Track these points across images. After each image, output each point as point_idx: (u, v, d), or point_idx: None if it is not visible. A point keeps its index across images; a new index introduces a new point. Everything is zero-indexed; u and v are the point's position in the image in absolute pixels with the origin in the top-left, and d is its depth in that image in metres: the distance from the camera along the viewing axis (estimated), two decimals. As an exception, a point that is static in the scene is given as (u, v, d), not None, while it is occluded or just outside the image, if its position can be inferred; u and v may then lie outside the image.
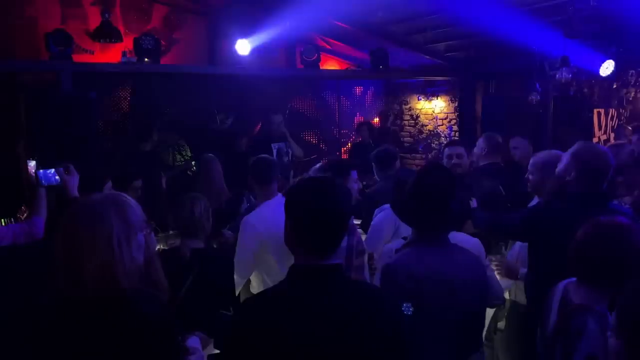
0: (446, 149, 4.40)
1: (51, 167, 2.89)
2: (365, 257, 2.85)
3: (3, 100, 5.09)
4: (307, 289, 1.56)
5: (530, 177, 3.19)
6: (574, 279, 1.89)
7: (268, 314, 1.52)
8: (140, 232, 1.60)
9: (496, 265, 3.46)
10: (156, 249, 3.91)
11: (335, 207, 1.61)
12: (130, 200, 1.62)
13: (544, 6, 5.13)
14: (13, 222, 4.58)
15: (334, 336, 1.50)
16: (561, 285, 1.97)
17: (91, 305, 1.50)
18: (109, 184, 3.69)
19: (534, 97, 5.63)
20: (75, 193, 2.82)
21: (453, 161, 4.23)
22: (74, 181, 2.78)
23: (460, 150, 4.32)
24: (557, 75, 4.94)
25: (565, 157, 2.64)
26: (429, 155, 8.74)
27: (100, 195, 1.61)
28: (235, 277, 3.21)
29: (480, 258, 2.12)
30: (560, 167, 2.65)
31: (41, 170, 2.85)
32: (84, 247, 1.49)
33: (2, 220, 4.75)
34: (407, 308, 1.84)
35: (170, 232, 3.89)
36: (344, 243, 2.69)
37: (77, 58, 6.62)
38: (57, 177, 2.83)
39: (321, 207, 1.59)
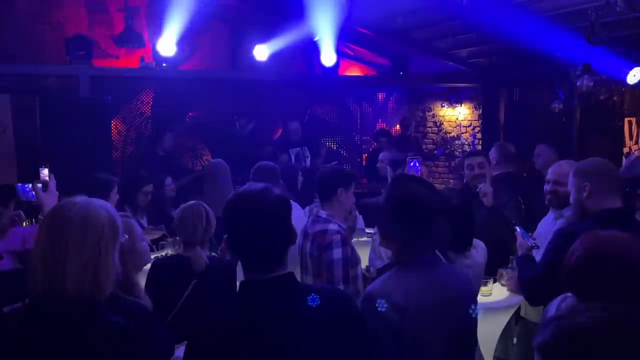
0: (466, 160, 4.14)
1: (71, 178, 2.76)
2: (360, 267, 2.79)
3: (23, 103, 5.20)
4: (254, 303, 1.49)
5: (560, 189, 2.98)
6: (570, 294, 1.79)
7: (218, 329, 1.50)
8: (120, 240, 1.59)
9: (507, 280, 3.35)
10: (162, 254, 3.94)
11: (266, 220, 1.52)
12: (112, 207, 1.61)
13: (568, 12, 4.97)
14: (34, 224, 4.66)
15: (279, 350, 1.45)
16: (557, 300, 1.88)
17: (62, 310, 1.46)
18: (115, 189, 3.70)
19: (557, 106, 5.46)
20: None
21: (475, 172, 3.94)
22: (50, 200, 2.51)
23: (481, 159, 4.01)
24: (579, 83, 4.77)
25: (571, 179, 2.51)
26: (452, 163, 8.59)
27: (88, 198, 1.58)
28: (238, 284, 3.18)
29: (468, 276, 2.00)
30: (571, 189, 2.51)
31: (19, 184, 2.73)
32: (70, 245, 1.46)
33: (25, 222, 4.85)
34: (381, 304, 1.77)
35: (177, 237, 3.89)
36: (338, 255, 2.63)
37: (102, 63, 6.75)
38: (33, 193, 2.61)
39: (250, 222, 1.52)
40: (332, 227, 2.73)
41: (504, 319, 3.27)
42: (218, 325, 1.52)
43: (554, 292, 2.09)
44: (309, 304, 1.49)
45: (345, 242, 2.69)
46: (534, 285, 2.51)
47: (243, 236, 1.52)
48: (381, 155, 5.57)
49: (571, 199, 2.55)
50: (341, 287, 2.60)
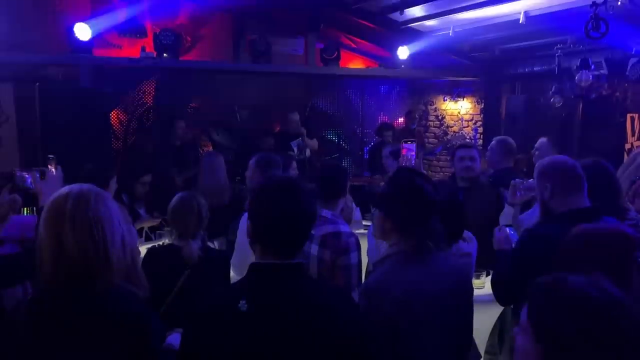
0: (457, 151, 4.01)
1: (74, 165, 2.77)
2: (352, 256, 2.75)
3: (23, 93, 5.23)
4: (263, 285, 1.55)
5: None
6: None
7: (221, 306, 1.55)
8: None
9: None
10: (160, 243, 3.96)
11: (296, 210, 1.59)
12: None
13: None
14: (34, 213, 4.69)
15: (281, 334, 1.48)
16: None
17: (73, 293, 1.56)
18: (114, 179, 3.73)
19: (557, 100, 5.42)
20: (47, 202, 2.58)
21: (465, 163, 3.86)
22: (47, 188, 2.47)
23: (473, 152, 3.92)
24: (577, 79, 4.72)
25: (535, 179, 2.47)
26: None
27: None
28: (232, 274, 3.21)
29: (463, 265, 2.02)
30: (536, 190, 2.47)
31: (18, 171, 2.72)
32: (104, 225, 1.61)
33: (26, 209, 4.88)
34: (381, 298, 1.78)
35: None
36: (355, 260, 2.57)
37: (104, 53, 6.76)
38: (30, 181, 2.60)
39: (281, 210, 1.58)
40: (344, 229, 2.62)
41: (495, 312, 3.28)
42: (220, 302, 1.57)
43: (520, 292, 2.10)
44: (308, 297, 1.53)
45: (359, 246, 2.60)
46: (499, 284, 2.47)
47: (270, 221, 1.57)
48: (384, 151, 5.56)
49: (539, 199, 2.51)
50: (356, 291, 2.44)
